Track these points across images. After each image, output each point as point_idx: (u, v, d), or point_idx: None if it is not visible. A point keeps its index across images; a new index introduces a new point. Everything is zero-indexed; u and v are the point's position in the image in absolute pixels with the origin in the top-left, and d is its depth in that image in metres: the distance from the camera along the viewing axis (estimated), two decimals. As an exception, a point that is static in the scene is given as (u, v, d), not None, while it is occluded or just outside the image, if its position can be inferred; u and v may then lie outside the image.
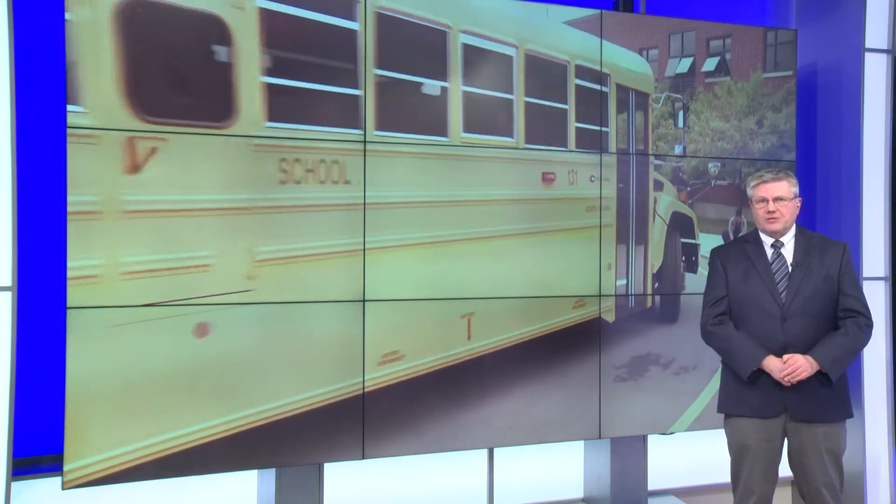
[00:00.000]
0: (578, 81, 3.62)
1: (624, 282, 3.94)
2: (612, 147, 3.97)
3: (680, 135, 4.11)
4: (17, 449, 3.50)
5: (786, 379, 3.09)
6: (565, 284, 3.63)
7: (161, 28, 3.23)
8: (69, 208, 3.13)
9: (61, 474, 3.26)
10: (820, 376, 3.11)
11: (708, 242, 3.49)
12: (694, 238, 3.85)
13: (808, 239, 3.29)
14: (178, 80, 3.23)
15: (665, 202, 3.89)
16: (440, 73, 3.36)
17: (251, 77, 3.22)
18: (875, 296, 4.57)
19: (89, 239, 3.18)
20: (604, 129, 3.78)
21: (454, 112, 3.22)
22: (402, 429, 3.77)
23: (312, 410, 3.60)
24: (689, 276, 4.23)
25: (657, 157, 4.18)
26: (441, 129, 3.34)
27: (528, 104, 3.39)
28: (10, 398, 3.35)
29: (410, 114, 3.31)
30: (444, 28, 3.42)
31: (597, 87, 3.62)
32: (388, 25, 3.22)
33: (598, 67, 3.69)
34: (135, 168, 3.11)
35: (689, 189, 3.90)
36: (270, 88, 3.20)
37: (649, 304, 3.90)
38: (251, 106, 3.22)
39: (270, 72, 3.16)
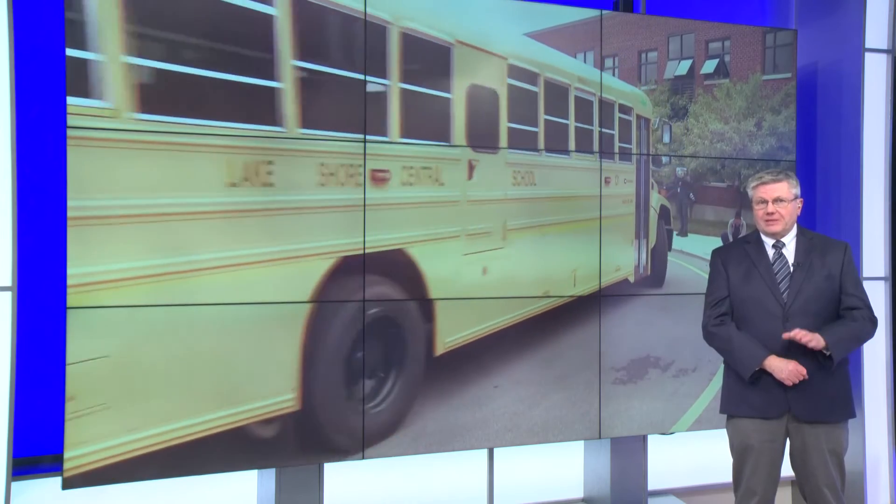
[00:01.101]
0: (621, 115, 4.11)
1: (636, 254, 4.19)
2: (633, 159, 4.18)
3: (674, 147, 4.25)
4: (17, 449, 3.50)
5: (788, 380, 3.10)
6: (607, 258, 4.02)
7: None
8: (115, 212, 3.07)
9: (61, 474, 3.26)
10: (822, 373, 3.11)
11: (707, 244, 3.52)
12: (670, 225, 4.20)
13: (809, 239, 3.29)
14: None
15: (655, 198, 4.16)
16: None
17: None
18: (875, 296, 4.54)
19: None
20: (628, 145, 4.14)
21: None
22: (402, 429, 3.77)
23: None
24: (687, 276, 4.26)
25: (657, 160, 4.20)
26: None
27: (582, 130, 3.90)
28: (10, 398, 3.35)
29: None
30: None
31: (627, 117, 4.07)
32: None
33: (629, 104, 4.10)
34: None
35: (665, 187, 4.18)
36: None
37: (649, 271, 4.13)
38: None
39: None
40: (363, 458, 3.71)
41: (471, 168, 3.65)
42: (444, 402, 3.84)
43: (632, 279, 4.12)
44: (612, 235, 4.10)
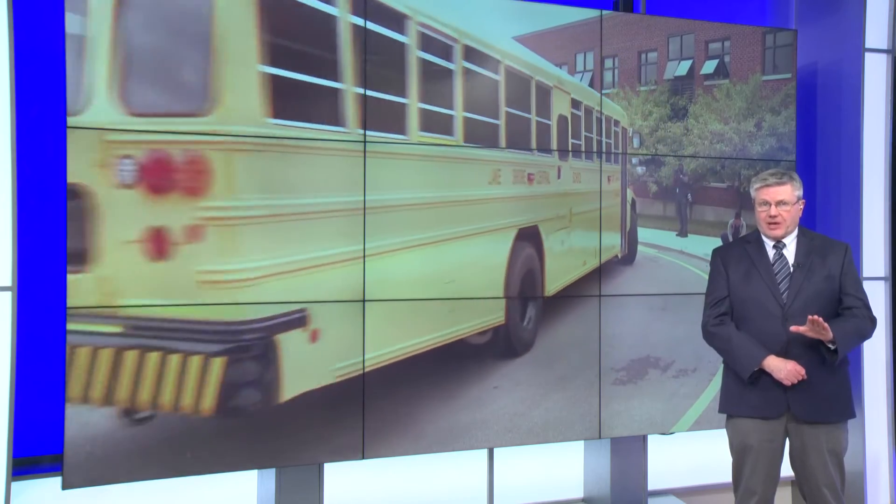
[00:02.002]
0: (616, 129, 4.13)
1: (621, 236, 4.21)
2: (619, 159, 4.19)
3: (674, 147, 4.29)
4: (17, 449, 3.50)
5: (787, 379, 3.10)
6: (606, 241, 4.08)
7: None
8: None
9: (61, 474, 3.27)
10: (821, 374, 3.11)
11: (707, 245, 3.52)
12: (637, 213, 4.27)
13: (809, 239, 3.29)
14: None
15: (629, 193, 4.23)
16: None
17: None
18: (875, 296, 4.55)
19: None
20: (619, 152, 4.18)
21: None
22: (402, 429, 3.78)
23: (313, 410, 3.61)
24: (688, 277, 4.27)
25: (660, 158, 4.22)
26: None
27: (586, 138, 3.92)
28: (10, 398, 3.35)
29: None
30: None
31: (616, 128, 4.11)
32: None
33: (617, 118, 4.12)
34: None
35: (635, 185, 4.23)
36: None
37: (626, 250, 4.17)
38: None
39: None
40: (363, 458, 3.71)
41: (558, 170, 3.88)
42: (445, 402, 3.84)
43: (619, 255, 4.17)
44: (607, 222, 4.15)
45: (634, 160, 4.13)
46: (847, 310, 3.20)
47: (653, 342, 4.24)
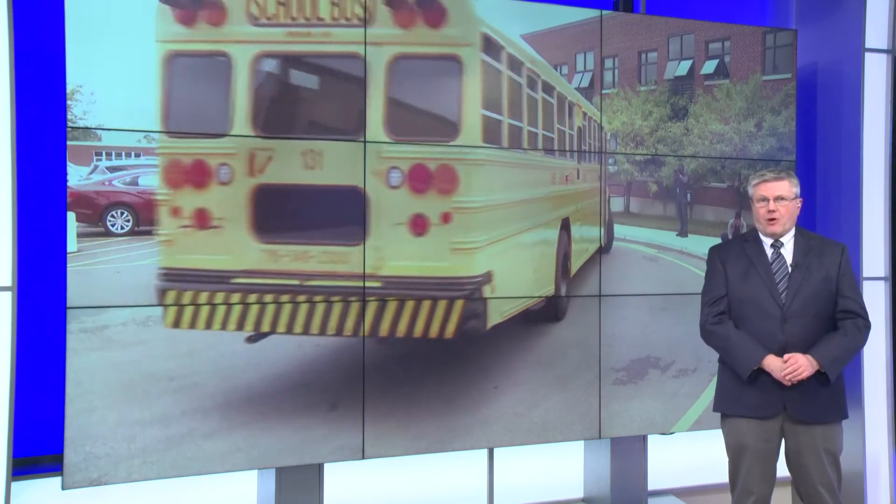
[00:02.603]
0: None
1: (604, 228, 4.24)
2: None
3: (674, 147, 4.31)
4: (17, 449, 3.50)
5: (787, 379, 3.10)
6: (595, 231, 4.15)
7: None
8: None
9: (61, 474, 3.27)
10: (819, 376, 3.12)
11: (707, 245, 3.52)
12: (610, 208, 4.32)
13: (807, 239, 3.29)
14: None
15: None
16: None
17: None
18: (875, 296, 4.57)
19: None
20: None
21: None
22: (402, 429, 3.78)
23: (313, 410, 3.61)
24: (687, 277, 4.28)
25: (660, 157, 4.22)
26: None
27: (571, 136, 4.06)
28: (10, 398, 3.35)
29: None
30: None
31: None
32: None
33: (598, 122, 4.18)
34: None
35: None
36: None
37: (606, 241, 4.20)
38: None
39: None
40: (363, 458, 3.71)
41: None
42: (445, 402, 3.84)
43: (602, 244, 4.21)
44: (595, 216, 4.20)
45: (611, 159, 4.15)
46: (843, 313, 3.21)
47: (653, 342, 4.24)
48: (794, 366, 3.08)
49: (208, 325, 2.58)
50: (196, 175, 2.38)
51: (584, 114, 4.02)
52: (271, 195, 2.49)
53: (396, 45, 2.68)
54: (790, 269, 3.22)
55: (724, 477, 3.38)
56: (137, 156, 3.30)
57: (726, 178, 4.40)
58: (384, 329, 3.09)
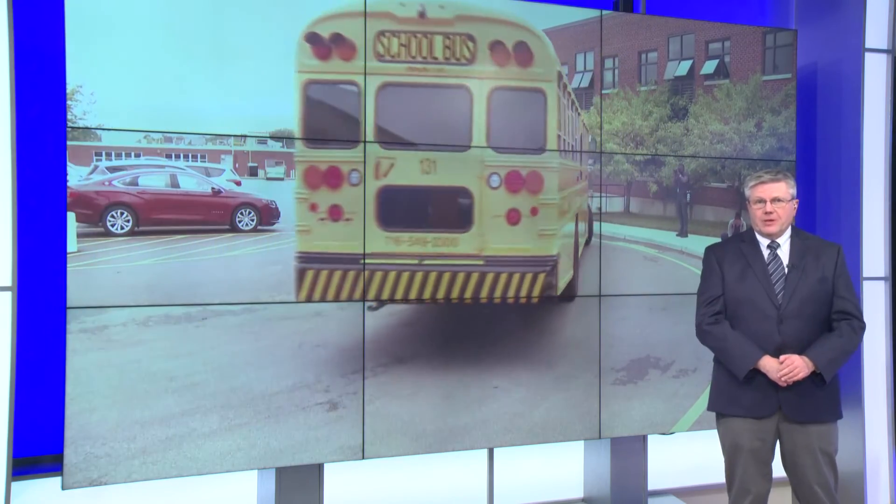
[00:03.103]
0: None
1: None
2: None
3: (675, 147, 4.31)
4: (17, 449, 3.50)
5: (783, 379, 3.10)
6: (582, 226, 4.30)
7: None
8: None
9: (61, 474, 3.27)
10: (814, 377, 3.13)
11: (706, 245, 3.53)
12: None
13: (803, 240, 3.29)
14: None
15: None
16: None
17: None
18: (875, 296, 4.57)
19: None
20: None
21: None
22: (402, 429, 3.78)
23: (313, 410, 3.62)
24: (687, 277, 4.28)
25: (661, 157, 4.23)
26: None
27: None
28: (10, 398, 3.35)
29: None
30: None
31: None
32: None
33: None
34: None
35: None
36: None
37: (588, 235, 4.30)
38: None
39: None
40: (363, 458, 3.71)
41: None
42: (445, 401, 3.84)
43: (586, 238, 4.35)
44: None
45: (590, 158, 4.21)
46: (839, 315, 3.21)
47: (653, 342, 4.24)
48: (791, 367, 3.09)
49: (337, 298, 3.07)
50: (331, 178, 2.93)
51: (583, 122, 4.16)
52: (393, 194, 3.03)
53: (494, 80, 3.23)
54: (786, 270, 3.22)
55: (723, 477, 3.38)
56: (137, 156, 3.38)
57: (726, 178, 4.40)
58: (484, 294, 3.58)
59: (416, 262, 3.07)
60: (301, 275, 2.95)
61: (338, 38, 2.97)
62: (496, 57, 3.22)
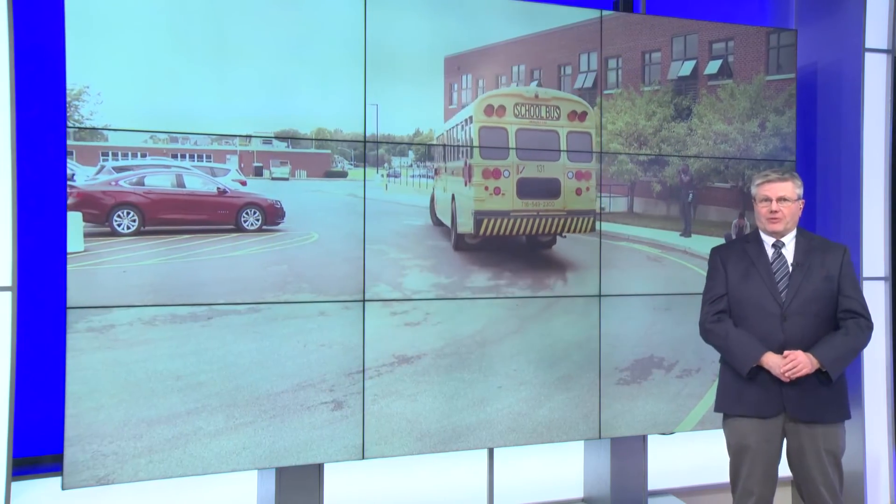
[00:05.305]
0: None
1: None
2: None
3: (678, 147, 4.33)
4: (17, 449, 3.49)
5: (786, 374, 3.10)
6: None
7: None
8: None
9: (61, 474, 3.25)
10: (820, 375, 3.12)
11: (710, 245, 3.53)
12: None
13: (808, 240, 3.30)
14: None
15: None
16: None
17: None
18: (875, 296, 4.57)
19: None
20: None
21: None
22: (403, 429, 3.77)
23: (313, 410, 3.61)
24: (691, 277, 4.29)
25: (664, 157, 4.24)
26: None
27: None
28: (10, 398, 3.34)
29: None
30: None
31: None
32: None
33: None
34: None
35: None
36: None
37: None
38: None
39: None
40: (363, 458, 3.70)
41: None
42: (448, 401, 3.84)
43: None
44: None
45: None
46: (845, 313, 3.21)
47: (656, 342, 4.24)
48: (794, 362, 3.09)
49: (498, 233, 4.08)
50: (494, 175, 4.03)
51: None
52: (525, 182, 4.06)
53: (568, 127, 4.10)
54: (791, 269, 3.23)
55: (724, 477, 3.38)
56: (144, 156, 3.38)
57: (730, 178, 4.40)
58: (564, 228, 4.37)
59: (535, 212, 4.08)
60: (478, 223, 3.99)
61: (499, 106, 4.09)
62: (570, 116, 4.15)
